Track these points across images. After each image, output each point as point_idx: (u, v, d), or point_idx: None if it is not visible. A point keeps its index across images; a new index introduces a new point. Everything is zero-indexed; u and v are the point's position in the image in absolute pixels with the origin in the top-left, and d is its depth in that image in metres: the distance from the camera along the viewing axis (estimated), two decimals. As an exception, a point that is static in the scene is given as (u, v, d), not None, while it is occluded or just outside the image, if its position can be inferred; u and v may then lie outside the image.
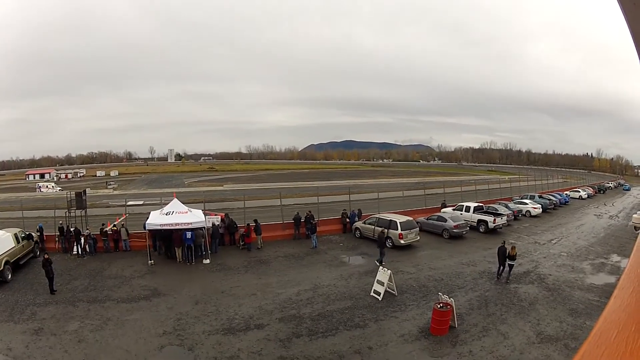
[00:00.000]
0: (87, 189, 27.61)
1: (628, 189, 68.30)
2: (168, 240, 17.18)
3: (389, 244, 19.09)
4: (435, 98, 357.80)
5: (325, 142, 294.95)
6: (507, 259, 14.32)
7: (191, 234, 16.50)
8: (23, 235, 16.43)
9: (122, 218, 23.82)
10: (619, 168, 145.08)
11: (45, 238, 18.55)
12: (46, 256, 13.23)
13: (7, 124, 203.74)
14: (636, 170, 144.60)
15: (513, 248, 14.58)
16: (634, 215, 25.35)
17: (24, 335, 9.91)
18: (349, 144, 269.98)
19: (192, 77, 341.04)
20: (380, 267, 12.97)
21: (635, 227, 24.04)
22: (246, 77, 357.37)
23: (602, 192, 56.76)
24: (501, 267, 14.52)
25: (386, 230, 18.20)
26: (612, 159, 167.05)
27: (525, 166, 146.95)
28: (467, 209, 24.58)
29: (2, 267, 13.75)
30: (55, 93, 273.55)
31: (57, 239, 18.37)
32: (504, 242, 15.41)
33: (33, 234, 17.47)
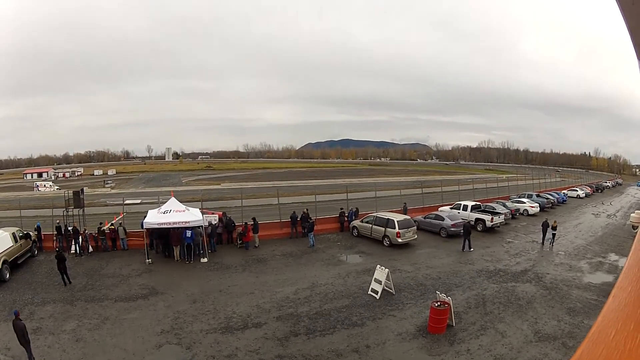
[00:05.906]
0: (84, 188, 27.41)
1: None
2: (166, 239, 17.16)
3: (386, 242, 19.16)
4: (432, 96, 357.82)
5: (322, 140, 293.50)
6: (551, 229, 19.09)
7: (191, 233, 16.50)
8: (21, 234, 16.37)
9: (120, 217, 23.74)
10: (617, 167, 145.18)
11: (43, 237, 18.46)
12: (58, 250, 14.08)
13: (3, 123, 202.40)
14: (634, 169, 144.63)
15: (555, 221, 19.75)
16: (632, 215, 25.35)
17: (22, 334, 9.82)
18: (346, 143, 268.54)
19: (185, 73, 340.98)
20: (378, 266, 12.98)
21: (633, 226, 24.05)
22: (240, 74, 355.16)
23: (599, 191, 56.96)
24: (544, 238, 19.41)
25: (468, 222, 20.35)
26: (610, 158, 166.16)
27: (523, 165, 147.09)
28: (465, 208, 24.64)
29: (0, 267, 13.69)
30: (51, 91, 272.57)
31: (54, 238, 18.29)
32: (547, 219, 20.15)
33: (31, 233, 17.39)
